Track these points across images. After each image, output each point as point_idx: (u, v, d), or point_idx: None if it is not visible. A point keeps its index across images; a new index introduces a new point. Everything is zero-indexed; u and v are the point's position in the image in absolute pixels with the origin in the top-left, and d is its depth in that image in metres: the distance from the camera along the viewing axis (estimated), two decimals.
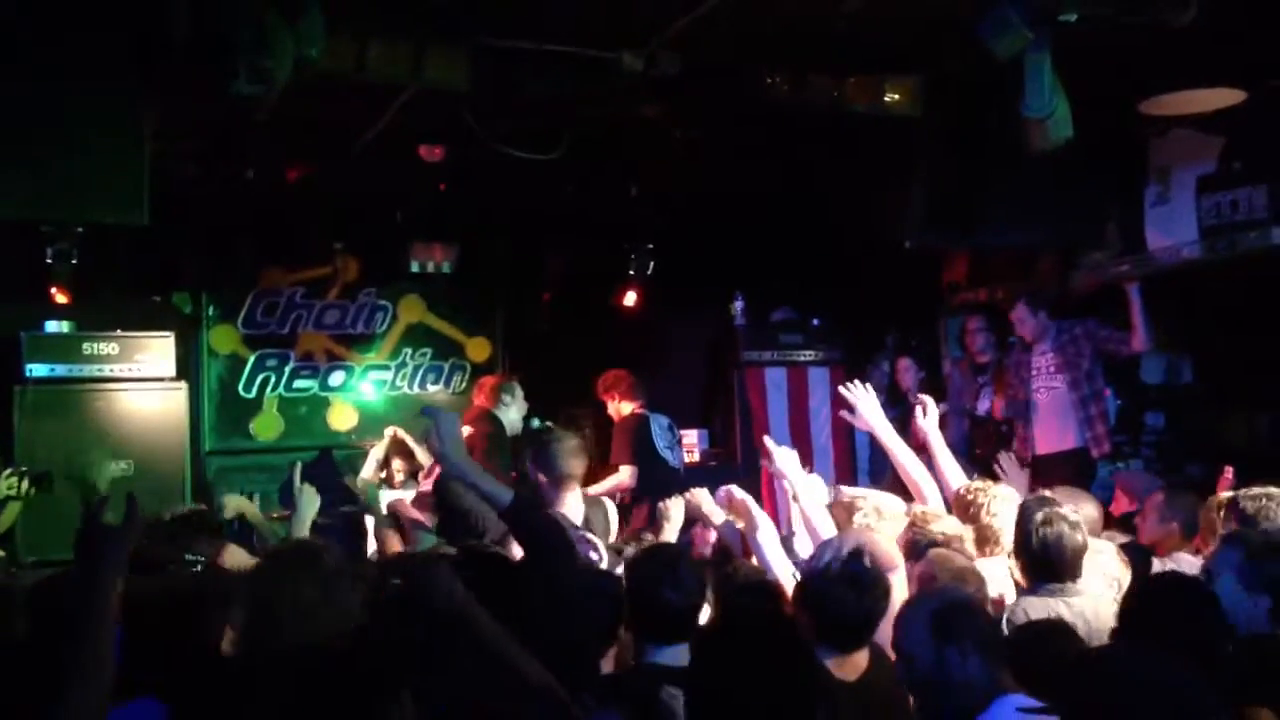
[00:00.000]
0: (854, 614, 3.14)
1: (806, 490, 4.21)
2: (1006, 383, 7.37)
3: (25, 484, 6.46)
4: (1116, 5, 4.60)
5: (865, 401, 4.57)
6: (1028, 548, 3.70)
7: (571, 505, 4.37)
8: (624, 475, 7.21)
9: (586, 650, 3.09)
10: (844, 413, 4.71)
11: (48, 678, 2.24)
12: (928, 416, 4.68)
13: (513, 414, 6.73)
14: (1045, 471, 6.45)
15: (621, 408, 7.47)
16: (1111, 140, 6.14)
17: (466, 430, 6.40)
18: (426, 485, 5.39)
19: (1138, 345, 6.66)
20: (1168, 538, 4.84)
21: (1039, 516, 3.68)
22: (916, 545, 3.79)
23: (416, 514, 5.67)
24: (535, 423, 6.11)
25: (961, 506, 4.15)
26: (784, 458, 4.28)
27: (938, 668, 2.79)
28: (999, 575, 3.87)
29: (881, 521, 4.06)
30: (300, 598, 2.70)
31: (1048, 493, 4.12)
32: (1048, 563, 3.66)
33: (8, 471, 6.50)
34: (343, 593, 2.78)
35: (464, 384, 9.03)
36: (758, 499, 6.39)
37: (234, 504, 5.70)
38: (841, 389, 4.69)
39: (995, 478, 4.94)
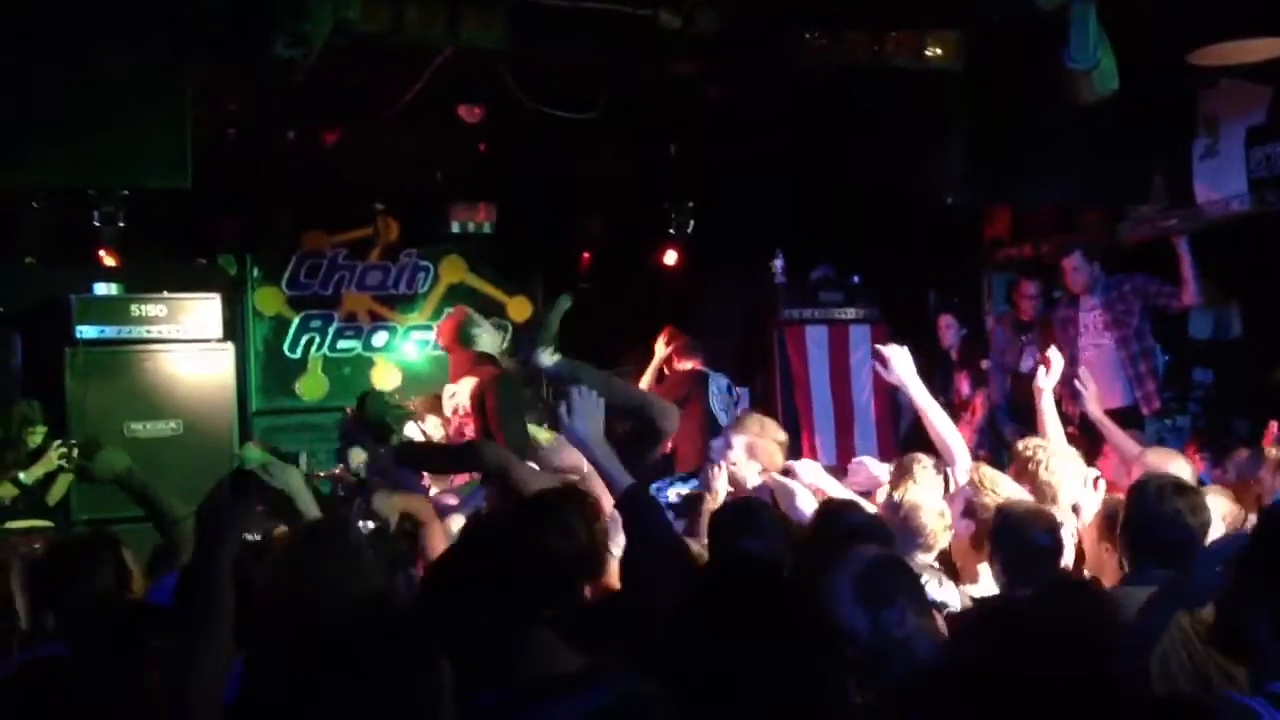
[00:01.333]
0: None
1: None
2: (1052, 338, 7.30)
3: (75, 453, 6.58)
4: None
5: (899, 357, 4.46)
6: (1138, 525, 3.30)
7: None
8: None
9: None
10: (876, 365, 4.65)
11: (175, 637, 2.43)
12: (1049, 376, 4.66)
13: (486, 341, 6.66)
14: (1094, 428, 6.41)
15: (681, 364, 7.45)
16: (1158, 92, 6.02)
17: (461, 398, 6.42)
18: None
19: (1188, 299, 6.58)
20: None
21: (1153, 488, 3.34)
22: (974, 507, 3.76)
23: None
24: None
25: (1019, 464, 4.12)
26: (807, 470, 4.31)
27: (875, 633, 2.63)
28: None
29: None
30: (325, 576, 2.74)
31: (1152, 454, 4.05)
32: (1161, 544, 3.22)
33: (57, 443, 6.61)
34: (368, 571, 2.81)
35: (505, 343, 9.05)
36: (796, 458, 6.42)
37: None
38: (878, 346, 4.65)
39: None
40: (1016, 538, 3.40)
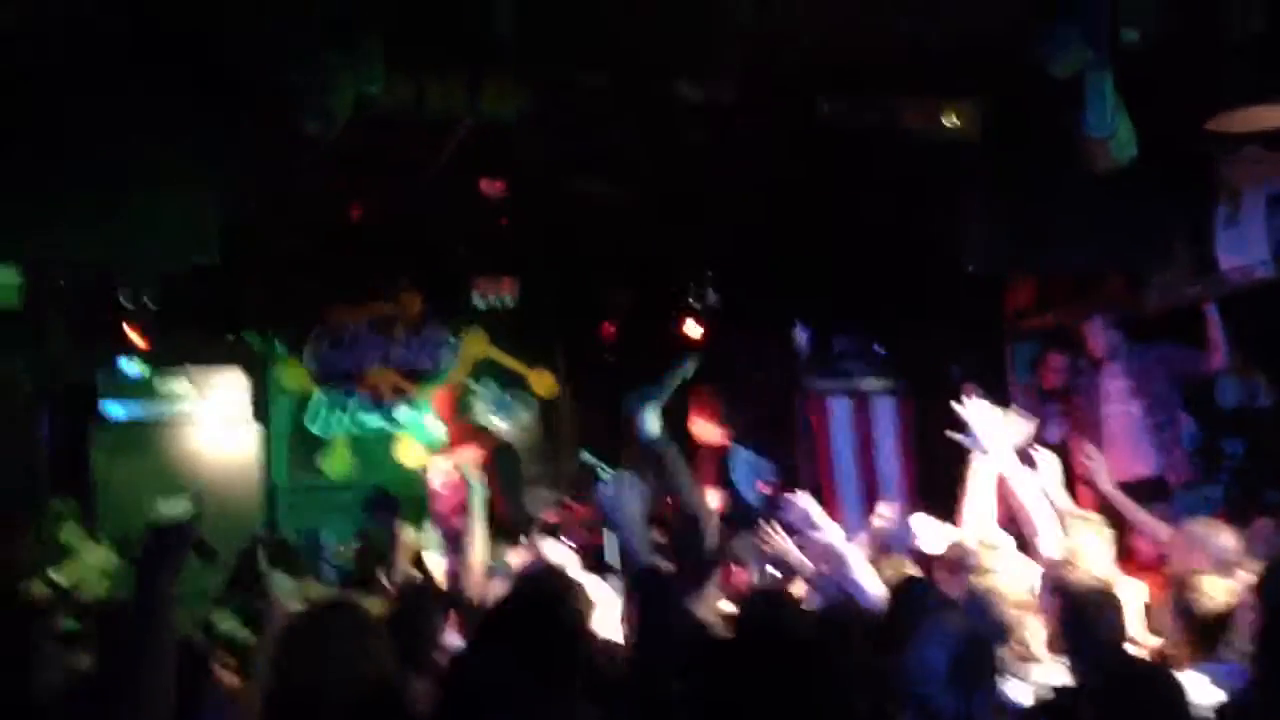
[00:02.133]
0: None
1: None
2: (1077, 407, 7.24)
3: (107, 552, 6.57)
4: (1178, 21, 4.54)
5: (982, 418, 4.19)
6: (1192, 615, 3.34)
7: None
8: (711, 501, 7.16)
9: None
10: (953, 434, 4.36)
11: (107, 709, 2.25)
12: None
13: (485, 406, 6.69)
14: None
15: (714, 433, 7.42)
16: (1177, 159, 6.04)
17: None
18: None
19: (1217, 363, 6.51)
20: None
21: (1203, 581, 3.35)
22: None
23: None
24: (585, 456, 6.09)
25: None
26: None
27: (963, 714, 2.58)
28: None
29: None
30: (336, 654, 2.69)
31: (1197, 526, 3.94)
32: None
33: (92, 544, 6.55)
34: (378, 652, 2.76)
35: (529, 417, 9.09)
36: None
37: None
38: (956, 404, 4.34)
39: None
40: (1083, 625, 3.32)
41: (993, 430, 4.19)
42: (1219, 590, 3.49)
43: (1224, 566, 3.76)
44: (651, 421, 4.73)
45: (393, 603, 4.16)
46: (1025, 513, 4.12)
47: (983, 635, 2.78)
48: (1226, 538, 4.23)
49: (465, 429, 6.85)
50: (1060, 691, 3.30)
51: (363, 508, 7.69)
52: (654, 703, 2.77)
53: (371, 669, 2.70)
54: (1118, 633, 3.32)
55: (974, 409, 4.20)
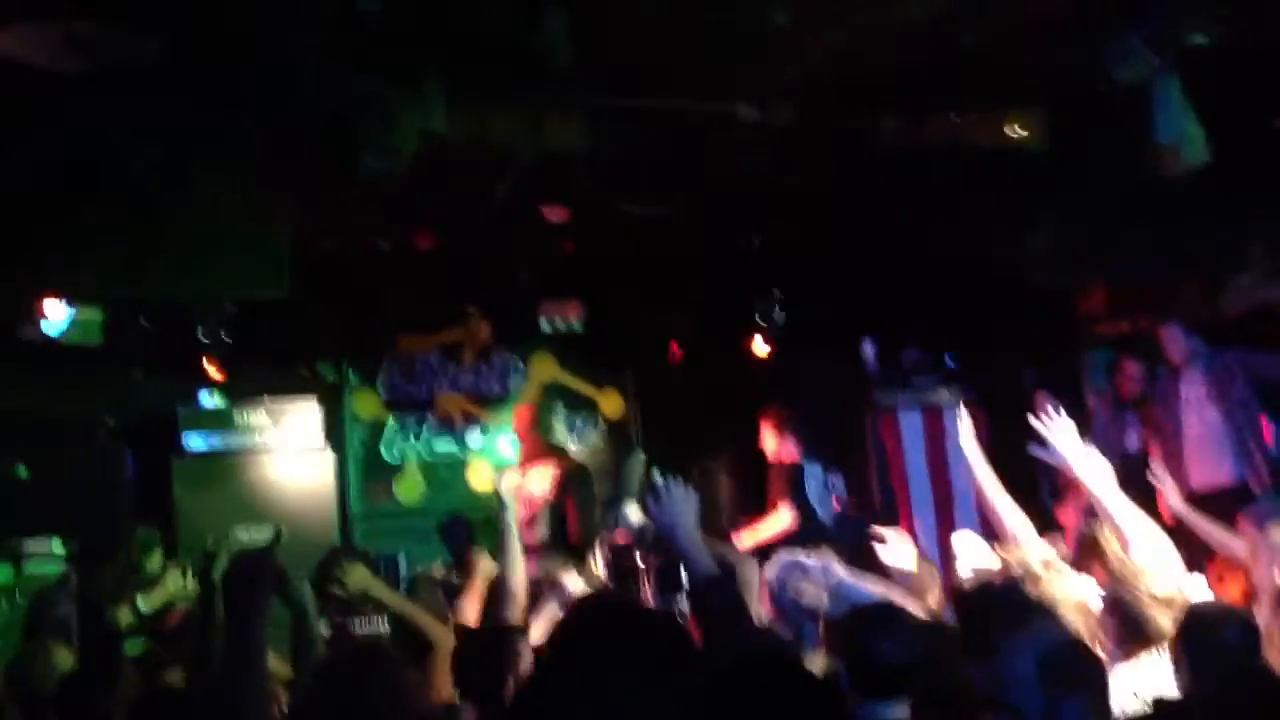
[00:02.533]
0: None
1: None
2: (1155, 414, 7.11)
3: (190, 578, 6.70)
4: (1245, 22, 4.47)
5: (1060, 430, 4.06)
6: None
7: None
8: (785, 517, 7.15)
9: None
10: (1035, 447, 4.22)
11: None
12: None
13: (561, 430, 6.78)
14: (1203, 509, 6.19)
15: (785, 449, 7.40)
16: (1250, 160, 5.92)
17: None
18: None
19: None
20: None
21: None
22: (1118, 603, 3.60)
23: None
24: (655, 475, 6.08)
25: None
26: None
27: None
28: None
29: None
30: (366, 701, 2.70)
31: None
32: None
33: (175, 571, 6.70)
34: (409, 692, 2.79)
35: (597, 439, 9.14)
36: None
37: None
38: (1036, 418, 4.21)
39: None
40: (1208, 640, 3.20)
41: (1074, 444, 4.09)
42: None
43: None
44: (632, 517, 4.82)
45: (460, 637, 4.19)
46: (1112, 522, 4.02)
47: (1077, 641, 2.71)
48: None
49: (540, 446, 6.93)
50: (1161, 703, 3.24)
51: (438, 532, 7.79)
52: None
53: (401, 707, 2.70)
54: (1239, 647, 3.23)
55: (1054, 425, 4.13)
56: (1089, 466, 4.04)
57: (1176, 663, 3.26)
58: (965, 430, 4.40)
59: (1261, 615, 3.70)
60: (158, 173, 4.92)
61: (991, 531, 5.55)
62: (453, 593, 5.81)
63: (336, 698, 2.75)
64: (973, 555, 4.71)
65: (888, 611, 3.19)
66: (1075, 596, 3.71)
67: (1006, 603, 3.39)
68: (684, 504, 3.17)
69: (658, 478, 3.22)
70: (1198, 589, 3.81)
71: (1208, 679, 3.10)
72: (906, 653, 2.94)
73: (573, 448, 7.07)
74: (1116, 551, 3.84)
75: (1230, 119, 5.01)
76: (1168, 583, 3.65)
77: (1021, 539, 4.11)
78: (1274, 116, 5.61)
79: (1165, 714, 3.03)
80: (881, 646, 2.92)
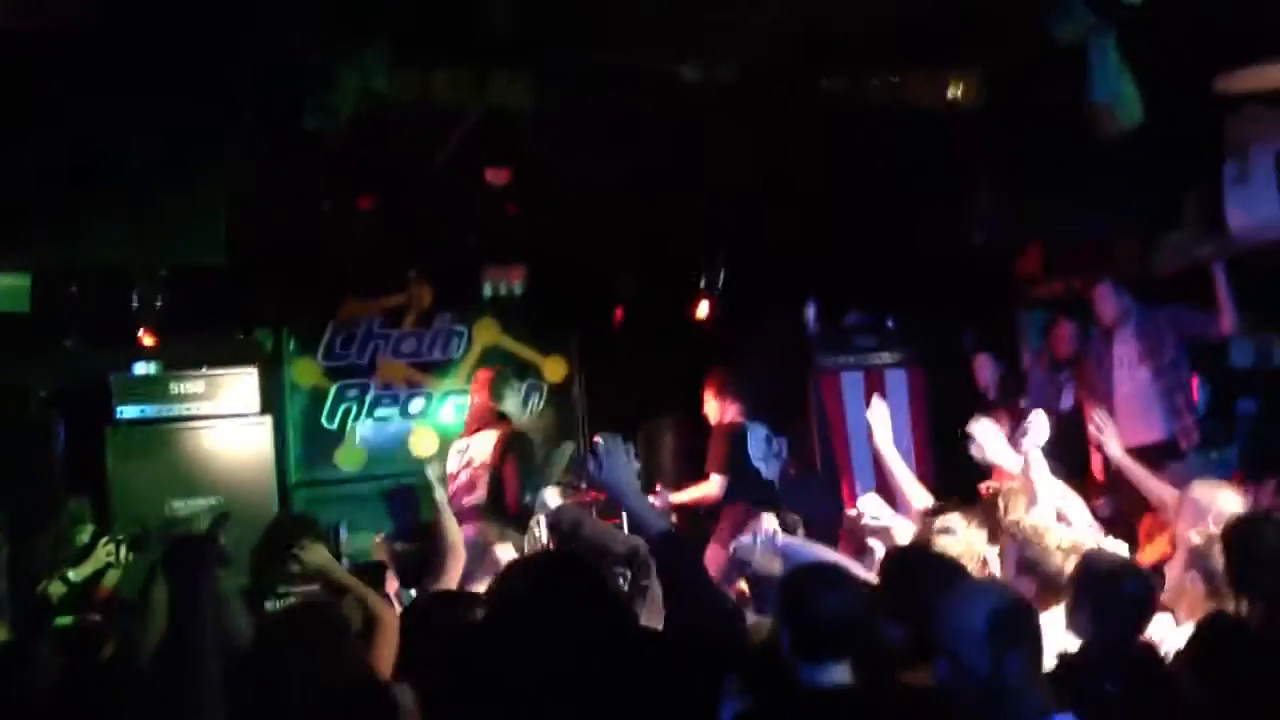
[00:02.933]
0: None
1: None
2: (1088, 373, 7.23)
3: (124, 550, 6.61)
4: None
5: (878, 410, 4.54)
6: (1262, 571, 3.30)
7: None
8: (712, 486, 7.21)
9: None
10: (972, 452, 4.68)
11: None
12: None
13: (511, 403, 6.89)
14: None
15: (726, 412, 7.44)
16: (1184, 120, 6.01)
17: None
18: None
19: (1226, 327, 6.48)
20: None
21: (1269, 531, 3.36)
22: (1029, 563, 3.68)
23: None
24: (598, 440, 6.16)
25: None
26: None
27: (994, 675, 2.54)
28: None
29: None
30: (309, 666, 2.68)
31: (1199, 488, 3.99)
32: None
33: (105, 539, 6.63)
34: (351, 657, 2.77)
35: (541, 404, 9.13)
36: (839, 508, 6.38)
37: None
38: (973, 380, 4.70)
39: (1082, 476, 4.93)
40: (1107, 589, 3.27)
41: (999, 446, 4.47)
42: None
43: None
44: (550, 499, 4.86)
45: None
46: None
47: (1024, 600, 2.76)
48: (1231, 499, 4.25)
49: (485, 413, 6.93)
50: (1064, 656, 3.29)
51: (385, 502, 7.75)
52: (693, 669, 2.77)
53: (343, 670, 2.68)
54: (1139, 597, 3.31)
55: (983, 431, 4.42)
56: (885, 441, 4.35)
57: (1073, 608, 3.34)
58: (875, 400, 4.59)
59: (1174, 571, 3.79)
60: (84, 132, 4.80)
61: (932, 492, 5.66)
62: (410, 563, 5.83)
63: (282, 655, 2.72)
64: (880, 515, 4.83)
65: (830, 570, 3.18)
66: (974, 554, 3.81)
67: (933, 563, 3.44)
68: (626, 464, 3.17)
69: (599, 440, 3.21)
70: (1108, 545, 3.92)
71: (1110, 628, 3.18)
72: (849, 610, 2.92)
73: (518, 414, 7.06)
74: (1019, 514, 3.98)
75: (1165, 79, 5.08)
76: (1070, 533, 3.77)
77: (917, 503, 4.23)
78: (1209, 77, 5.69)
79: (1065, 666, 3.10)
80: (823, 603, 2.89)
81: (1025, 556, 3.70)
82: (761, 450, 7.38)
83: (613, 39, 4.92)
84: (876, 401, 4.71)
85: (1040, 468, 4.32)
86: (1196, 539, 3.62)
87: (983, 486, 4.61)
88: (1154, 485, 4.75)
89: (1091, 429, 5.01)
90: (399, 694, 2.93)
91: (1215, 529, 3.64)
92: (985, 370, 7.99)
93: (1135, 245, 7.13)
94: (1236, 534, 3.53)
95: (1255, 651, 2.76)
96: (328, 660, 2.71)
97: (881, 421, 4.68)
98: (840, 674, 2.84)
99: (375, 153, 5.78)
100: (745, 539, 4.25)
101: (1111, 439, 4.86)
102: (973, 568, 3.68)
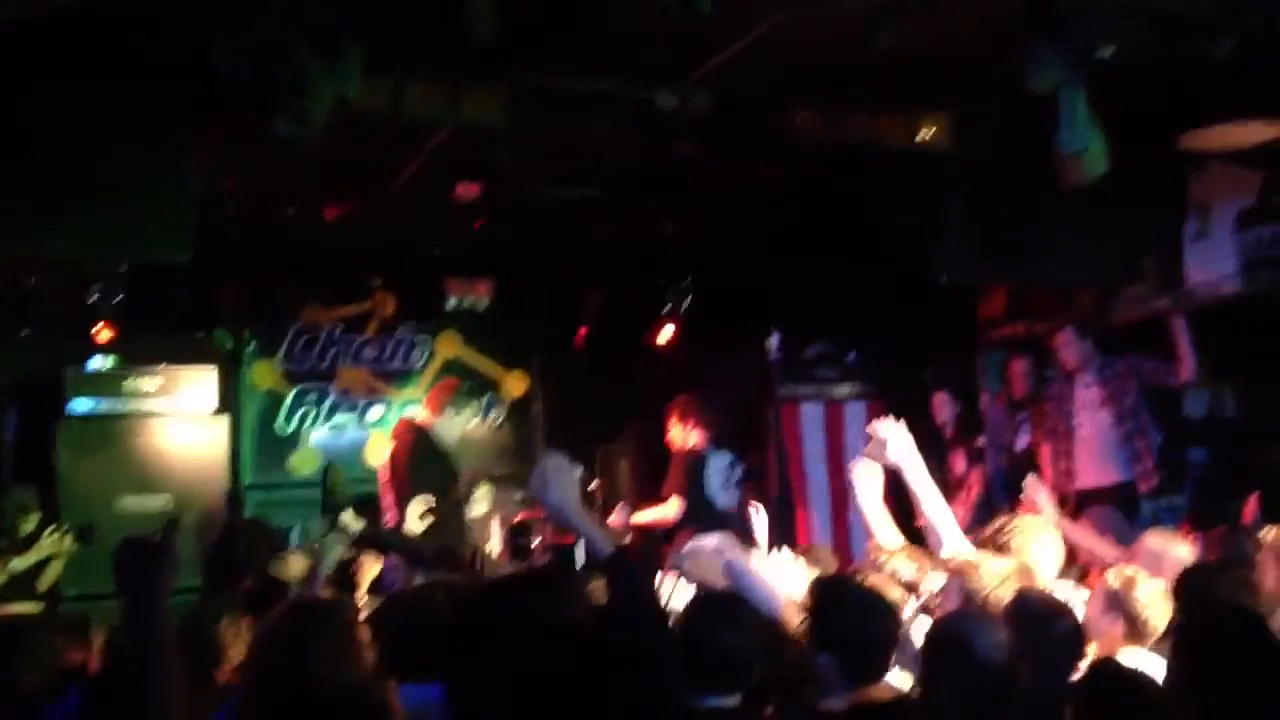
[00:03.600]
0: None
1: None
2: (1046, 415, 7.30)
3: (68, 540, 6.55)
4: (1152, 41, 4.59)
5: (896, 436, 4.16)
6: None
7: None
8: (670, 508, 7.20)
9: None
10: (868, 450, 4.26)
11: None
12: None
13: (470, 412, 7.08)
14: (1089, 506, 6.38)
15: (689, 438, 7.42)
16: (1149, 175, 6.09)
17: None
18: None
19: (1185, 375, 6.55)
20: None
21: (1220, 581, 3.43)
22: (970, 595, 3.68)
23: None
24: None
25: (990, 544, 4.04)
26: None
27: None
28: None
29: None
30: (317, 658, 2.64)
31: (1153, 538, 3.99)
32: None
33: (50, 529, 6.57)
34: (362, 653, 2.71)
35: (501, 418, 9.11)
36: (792, 537, 6.38)
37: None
38: (872, 426, 4.30)
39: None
40: (1039, 628, 3.26)
41: (904, 444, 4.17)
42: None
43: None
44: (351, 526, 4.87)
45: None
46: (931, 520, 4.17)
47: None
48: (1183, 549, 4.29)
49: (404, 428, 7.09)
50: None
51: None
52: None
53: (350, 671, 2.65)
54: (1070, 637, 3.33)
55: (887, 427, 4.25)
56: (918, 470, 4.17)
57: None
58: (900, 437, 4.25)
59: (1093, 611, 3.81)
60: (51, 126, 4.75)
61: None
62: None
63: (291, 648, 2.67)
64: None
65: (729, 601, 3.18)
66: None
67: (857, 594, 3.45)
68: (568, 480, 3.14)
69: (545, 458, 3.18)
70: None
71: (1045, 669, 3.20)
72: (742, 649, 2.97)
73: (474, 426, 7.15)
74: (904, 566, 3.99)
75: (1133, 133, 5.15)
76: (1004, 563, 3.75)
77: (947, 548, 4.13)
78: (1176, 133, 5.78)
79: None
80: (717, 640, 2.93)
81: (967, 590, 3.70)
82: (722, 478, 7.37)
83: (590, 63, 4.93)
84: (896, 435, 4.25)
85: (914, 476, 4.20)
86: (1114, 581, 3.64)
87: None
88: (1088, 542, 4.79)
89: (1026, 492, 4.96)
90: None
91: (1137, 573, 3.67)
92: (944, 408, 8.05)
93: (1095, 293, 7.22)
94: (1189, 583, 3.55)
95: (1143, 700, 2.77)
96: (324, 660, 2.66)
97: (906, 453, 4.26)
98: (730, 702, 2.91)
99: (345, 161, 5.76)
100: (701, 542, 4.21)
101: (1045, 502, 4.83)
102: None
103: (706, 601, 3.20)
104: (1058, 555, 4.02)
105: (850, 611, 3.16)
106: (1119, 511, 6.42)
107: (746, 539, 5.08)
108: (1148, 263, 6.69)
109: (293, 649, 2.69)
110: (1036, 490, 4.83)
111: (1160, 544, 4.33)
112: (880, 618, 3.12)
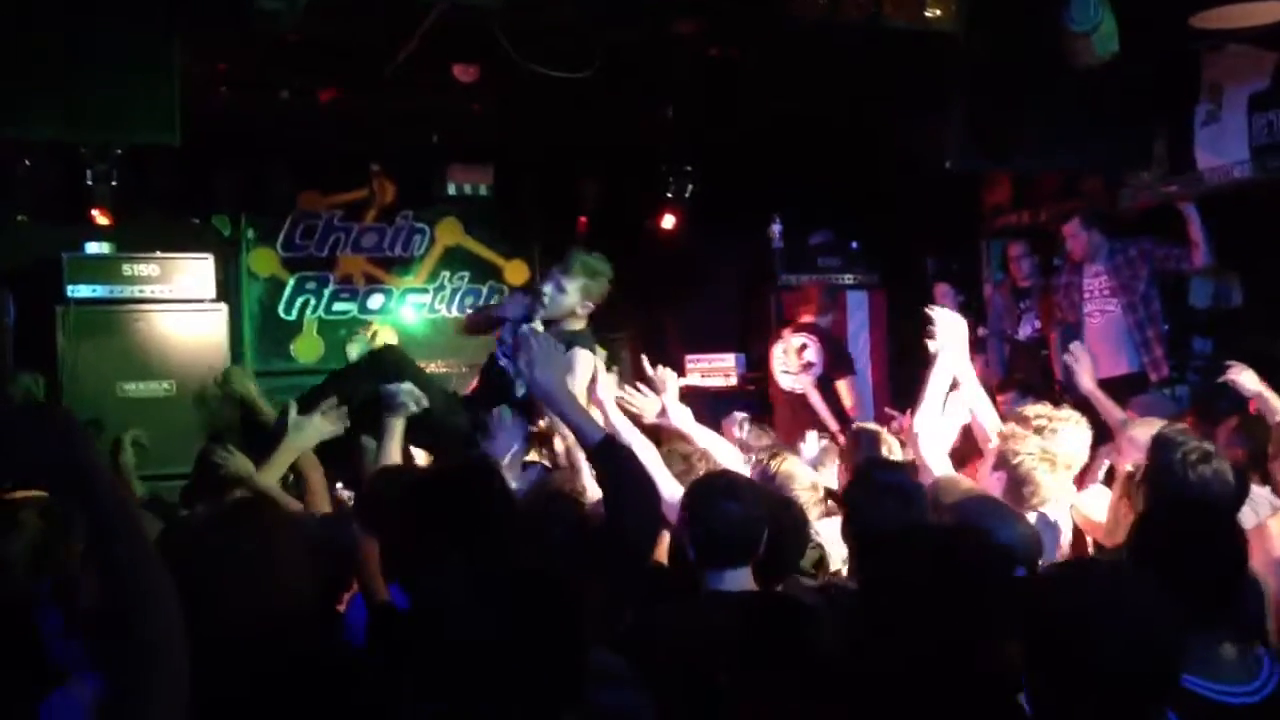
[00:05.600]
0: None
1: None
2: (1055, 305, 7.26)
3: None
4: None
5: (951, 326, 3.98)
6: (1173, 492, 3.28)
7: None
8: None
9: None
10: (927, 339, 4.06)
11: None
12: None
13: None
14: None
15: None
16: (1160, 56, 5.95)
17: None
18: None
19: (1199, 261, 6.49)
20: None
21: (1188, 453, 3.33)
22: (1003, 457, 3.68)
23: None
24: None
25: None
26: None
27: None
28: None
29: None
30: (238, 564, 2.26)
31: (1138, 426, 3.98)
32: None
33: None
34: (291, 558, 2.35)
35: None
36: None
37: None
38: (928, 309, 4.12)
39: (1037, 398, 4.90)
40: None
41: (956, 335, 4.09)
42: None
43: None
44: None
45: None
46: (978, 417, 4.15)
47: None
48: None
49: None
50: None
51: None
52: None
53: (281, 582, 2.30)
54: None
55: (942, 314, 4.11)
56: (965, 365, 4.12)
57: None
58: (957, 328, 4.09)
59: (1111, 503, 3.82)
60: (36, 6, 4.63)
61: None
62: None
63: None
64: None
65: (731, 478, 3.20)
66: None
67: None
68: (557, 360, 3.10)
69: (528, 330, 3.13)
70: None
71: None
72: (747, 518, 2.97)
73: None
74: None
75: (1144, 12, 5.01)
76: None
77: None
78: (1188, 12, 5.61)
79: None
80: (722, 512, 2.94)
81: (1001, 452, 3.71)
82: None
83: None
84: (952, 322, 4.02)
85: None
86: (1131, 471, 3.65)
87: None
88: (1121, 419, 4.74)
89: (1066, 359, 4.96)
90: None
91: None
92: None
93: (1103, 181, 7.12)
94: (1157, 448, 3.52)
95: None
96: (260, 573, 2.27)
97: (960, 348, 4.11)
98: (742, 579, 2.92)
99: (339, 43, 5.63)
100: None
101: (1084, 372, 4.80)
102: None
103: (708, 480, 3.21)
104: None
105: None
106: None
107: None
108: (1158, 148, 6.57)
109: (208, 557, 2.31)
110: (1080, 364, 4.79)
111: (1144, 432, 4.30)
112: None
